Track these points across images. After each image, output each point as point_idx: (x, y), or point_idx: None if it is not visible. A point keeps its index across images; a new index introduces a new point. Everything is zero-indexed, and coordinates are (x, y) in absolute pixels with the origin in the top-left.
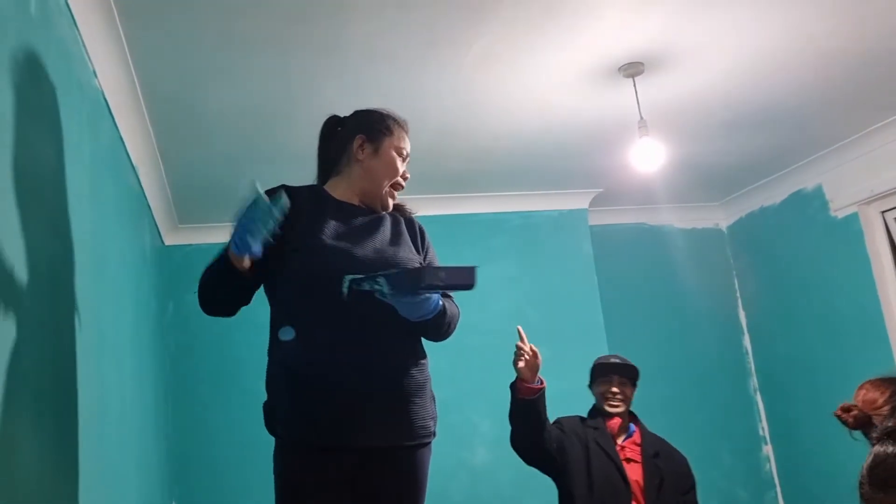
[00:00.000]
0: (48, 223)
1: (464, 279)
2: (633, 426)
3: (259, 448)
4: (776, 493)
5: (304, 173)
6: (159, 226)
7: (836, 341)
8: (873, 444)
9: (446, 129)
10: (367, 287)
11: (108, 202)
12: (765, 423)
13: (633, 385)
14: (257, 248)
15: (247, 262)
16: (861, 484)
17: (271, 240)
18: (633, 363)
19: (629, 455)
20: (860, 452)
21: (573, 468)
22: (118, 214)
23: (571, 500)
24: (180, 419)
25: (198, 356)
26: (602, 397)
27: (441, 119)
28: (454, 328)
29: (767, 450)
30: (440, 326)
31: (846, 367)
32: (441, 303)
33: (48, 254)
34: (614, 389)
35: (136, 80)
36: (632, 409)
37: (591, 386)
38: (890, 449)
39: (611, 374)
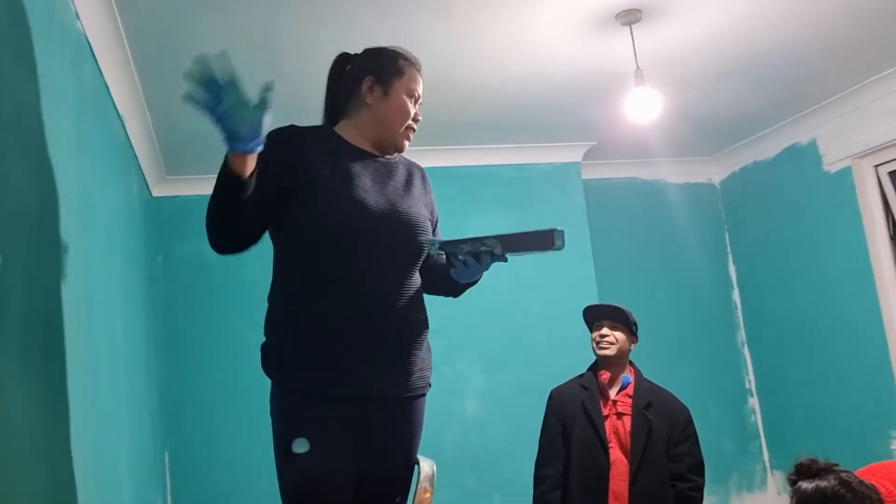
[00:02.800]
0: (34, 170)
1: (559, 241)
2: (628, 377)
3: (250, 397)
4: (761, 443)
5: (293, 123)
6: (147, 177)
7: (824, 296)
8: (791, 484)
9: (438, 79)
10: (468, 248)
11: (94, 151)
12: (751, 376)
13: (629, 330)
14: (250, 142)
15: (249, 165)
16: None
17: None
18: (621, 307)
19: (620, 409)
20: (842, 406)
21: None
22: (105, 164)
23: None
24: (171, 371)
25: (188, 307)
26: (594, 343)
27: (433, 68)
28: None
29: (753, 402)
30: (469, 287)
31: (834, 322)
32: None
33: (35, 201)
34: (604, 331)
35: (120, 24)
36: (631, 358)
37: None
38: (808, 487)
39: (601, 319)
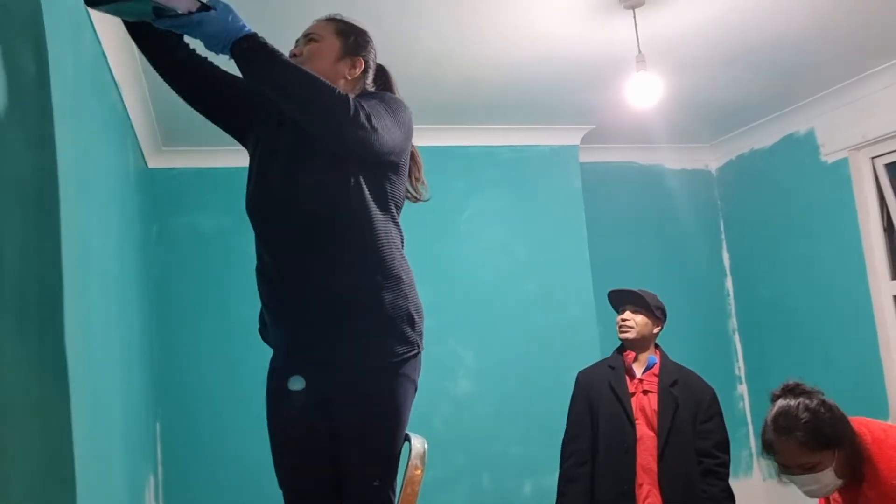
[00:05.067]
0: (29, 138)
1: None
2: (653, 358)
3: (241, 369)
4: (748, 430)
5: None
6: (143, 148)
7: (816, 286)
8: (774, 400)
9: (439, 57)
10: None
11: (91, 119)
12: (741, 363)
13: (651, 314)
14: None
15: None
16: (764, 431)
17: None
18: (643, 293)
19: (647, 387)
20: (831, 396)
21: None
22: (102, 133)
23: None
24: (164, 341)
25: (182, 279)
26: (617, 326)
27: (434, 45)
28: (317, 98)
29: (742, 389)
30: (261, 72)
31: (825, 312)
32: (246, 32)
33: (30, 169)
34: (625, 316)
35: None
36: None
37: None
38: (792, 402)
39: (623, 304)
